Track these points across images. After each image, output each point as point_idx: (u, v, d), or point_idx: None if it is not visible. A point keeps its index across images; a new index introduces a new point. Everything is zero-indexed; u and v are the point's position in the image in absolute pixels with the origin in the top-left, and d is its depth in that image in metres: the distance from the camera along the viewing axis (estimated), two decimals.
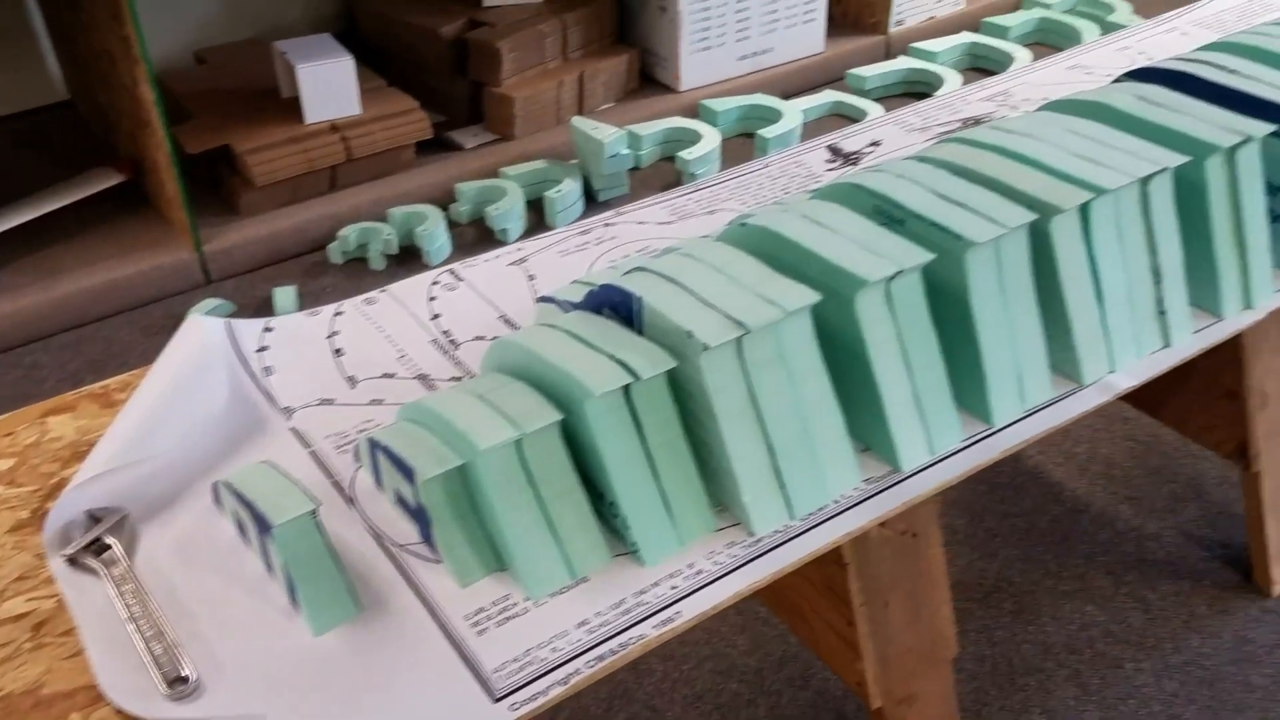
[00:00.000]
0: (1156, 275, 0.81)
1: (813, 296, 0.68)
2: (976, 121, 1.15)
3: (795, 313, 0.67)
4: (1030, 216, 0.74)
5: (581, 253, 0.95)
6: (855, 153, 1.12)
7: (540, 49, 2.04)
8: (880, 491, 0.72)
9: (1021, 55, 2.24)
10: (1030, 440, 0.77)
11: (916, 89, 2.25)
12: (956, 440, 0.75)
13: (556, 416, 0.64)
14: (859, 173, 0.81)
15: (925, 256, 0.71)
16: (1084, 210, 0.76)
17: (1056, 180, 0.77)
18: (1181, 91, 0.89)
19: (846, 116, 2.19)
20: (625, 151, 1.89)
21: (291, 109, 1.84)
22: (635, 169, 2.03)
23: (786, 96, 2.25)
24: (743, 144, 2.11)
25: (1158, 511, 1.26)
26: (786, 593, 0.92)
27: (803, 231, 0.74)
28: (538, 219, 1.88)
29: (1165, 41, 1.27)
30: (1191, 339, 0.84)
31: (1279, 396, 1.08)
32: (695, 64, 2.16)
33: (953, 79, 2.19)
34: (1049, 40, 2.37)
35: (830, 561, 0.83)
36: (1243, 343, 1.02)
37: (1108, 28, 2.32)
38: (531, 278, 0.92)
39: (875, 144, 1.13)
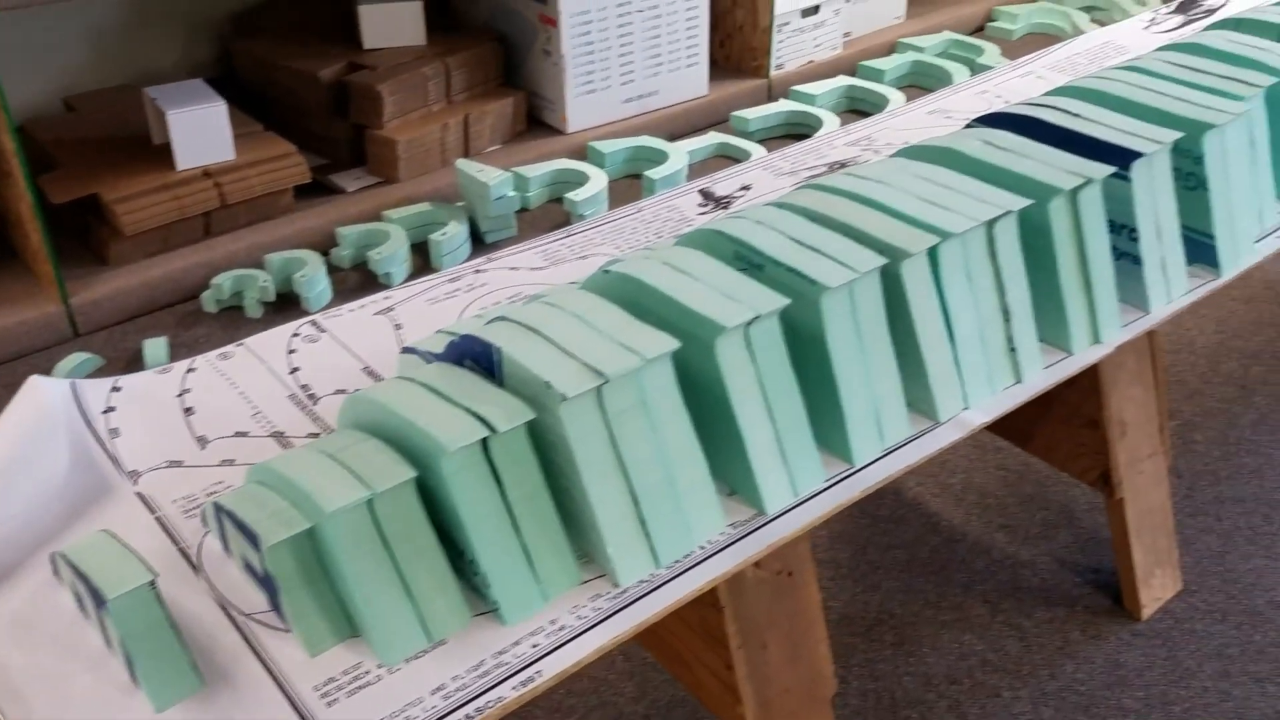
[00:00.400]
0: (1006, 314, 0.83)
1: (672, 344, 0.68)
2: (842, 165, 1.18)
3: (655, 360, 0.67)
4: (881, 261, 0.75)
5: (451, 300, 0.94)
6: (727, 196, 1.14)
7: (423, 91, 2.03)
8: (745, 535, 0.72)
9: (896, 97, 2.31)
10: (890, 478, 0.78)
11: (797, 130, 2.30)
12: (819, 481, 0.76)
13: (410, 474, 0.62)
14: (721, 219, 0.82)
15: (781, 301, 0.72)
16: (932, 253, 0.79)
17: (906, 225, 0.79)
18: (1028, 136, 0.92)
19: (730, 157, 2.22)
20: (511, 193, 1.89)
21: (163, 155, 1.78)
22: (523, 210, 2.02)
23: (672, 138, 2.28)
24: (630, 184, 2.12)
25: (1031, 539, 1.30)
26: (666, 638, 0.91)
27: (663, 278, 0.74)
28: (423, 262, 1.85)
29: (1021, 85, 1.32)
30: (1042, 374, 0.86)
31: (1137, 425, 1.12)
32: (582, 106, 2.17)
33: (831, 120, 2.25)
34: (922, 82, 2.45)
35: (707, 605, 0.82)
36: (1100, 374, 1.06)
37: (977, 69, 2.42)
38: (398, 327, 0.91)
39: (746, 188, 1.15)
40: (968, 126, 0.98)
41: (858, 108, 2.39)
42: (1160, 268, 0.91)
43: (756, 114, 2.29)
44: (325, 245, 1.87)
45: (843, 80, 2.40)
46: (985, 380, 0.83)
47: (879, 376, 0.78)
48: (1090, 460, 1.14)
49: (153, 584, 0.60)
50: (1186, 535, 1.28)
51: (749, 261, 0.78)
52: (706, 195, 1.14)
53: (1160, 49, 1.08)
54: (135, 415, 0.80)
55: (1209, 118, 0.90)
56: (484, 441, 0.64)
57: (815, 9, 2.43)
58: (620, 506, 0.67)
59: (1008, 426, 1.20)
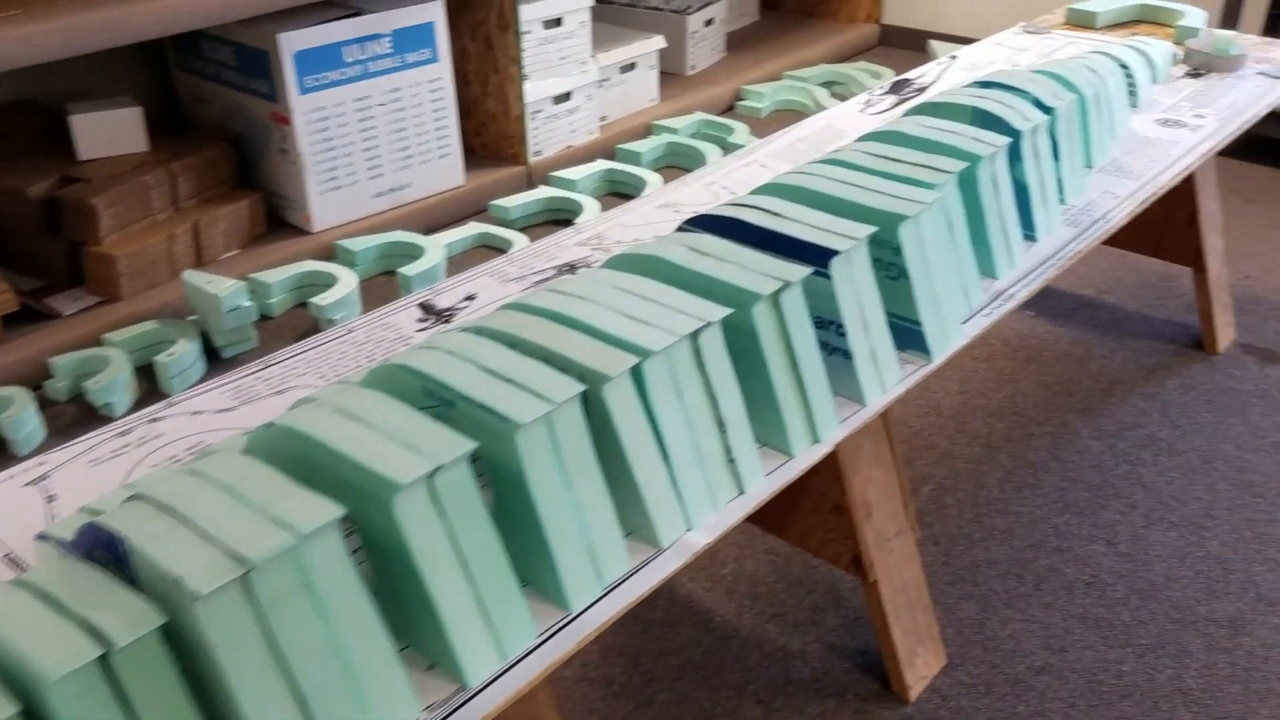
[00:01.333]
0: (721, 425, 0.80)
1: (335, 511, 0.60)
2: (571, 267, 1.14)
3: (315, 534, 0.59)
4: (579, 388, 0.70)
5: (118, 459, 0.83)
6: (449, 309, 1.07)
7: (145, 201, 1.88)
8: (446, 717, 0.64)
9: (653, 179, 2.33)
10: (612, 619, 0.72)
11: (559, 216, 2.28)
12: (530, 638, 0.69)
13: (8, 711, 0.51)
14: (409, 350, 0.75)
15: (468, 446, 0.66)
16: (636, 373, 0.74)
17: (607, 345, 0.75)
18: (732, 237, 0.91)
19: (493, 247, 2.17)
20: (247, 303, 1.76)
21: None
22: (266, 318, 1.89)
23: (430, 231, 2.21)
24: (386, 282, 2.03)
25: (801, 625, 1.27)
26: None
27: (333, 430, 0.66)
28: (150, 387, 1.69)
29: (746, 175, 1.33)
30: (764, 482, 0.84)
31: (881, 505, 1.12)
32: (327, 204, 2.07)
33: (592, 205, 2.24)
34: (679, 163, 2.49)
35: None
36: (839, 460, 1.06)
37: (728, 147, 2.48)
38: (51, 499, 0.78)
39: (470, 298, 1.09)
40: (678, 229, 0.95)
41: (618, 190, 2.40)
42: (871, 360, 0.91)
43: (516, 202, 2.25)
44: (39, 378, 1.68)
45: (601, 164, 2.41)
46: (707, 497, 0.79)
47: (591, 511, 0.72)
48: (841, 545, 1.13)
49: None
50: (947, 604, 1.29)
51: (439, 398, 0.72)
52: (427, 309, 1.07)
53: (860, 139, 1.10)
54: None
55: (902, 209, 0.91)
56: (104, 658, 0.53)
57: (567, 96, 2.44)
58: (280, 712, 0.58)
59: (765, 517, 1.18)
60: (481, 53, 2.33)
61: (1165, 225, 1.69)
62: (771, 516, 1.18)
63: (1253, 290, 1.94)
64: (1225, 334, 1.77)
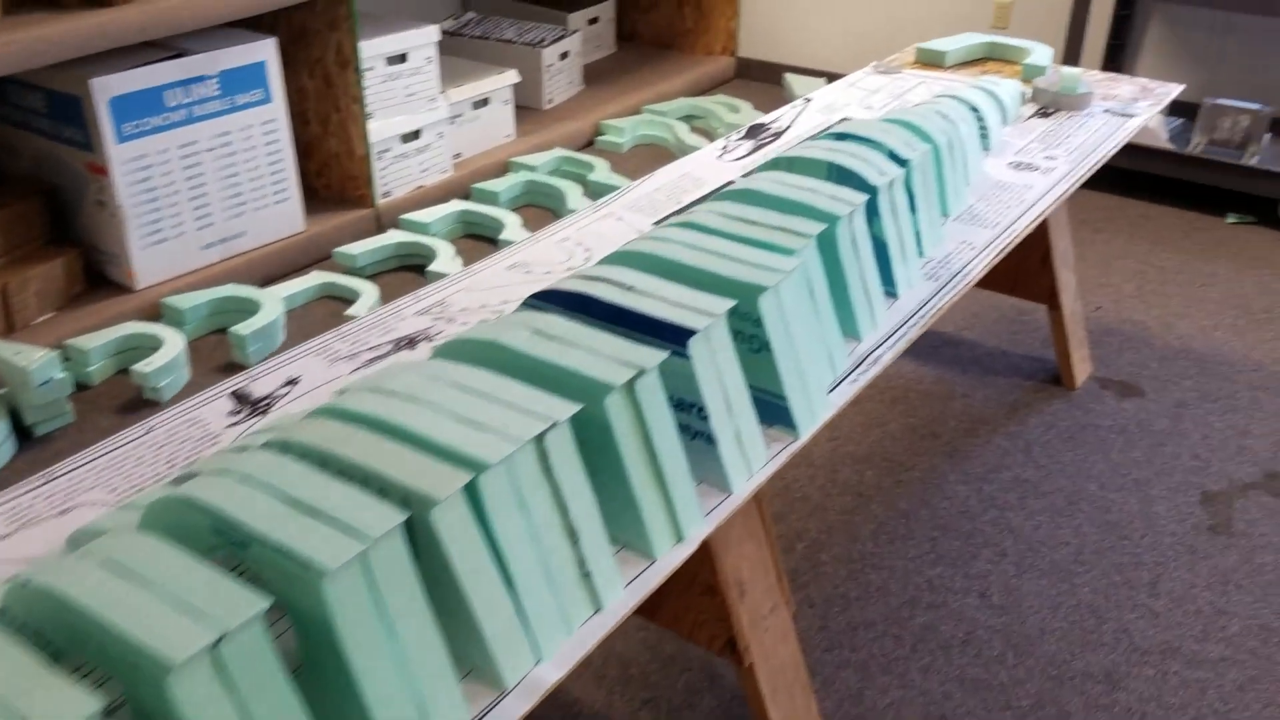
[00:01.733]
0: (573, 536, 0.72)
1: (90, 705, 0.49)
2: (411, 342, 1.04)
3: None
4: (399, 517, 0.61)
5: None
6: (266, 398, 0.95)
7: None
8: None
9: (511, 220, 2.24)
10: None
11: (411, 262, 2.16)
12: None
13: None
14: (194, 480, 0.64)
15: (259, 605, 0.55)
16: (470, 489, 0.65)
17: (435, 459, 0.65)
18: (581, 313, 0.83)
19: (339, 298, 2.04)
20: (60, 375, 1.59)
21: None
22: (85, 388, 1.72)
23: (268, 282, 2.06)
24: (218, 342, 1.88)
25: (676, 710, 1.20)
26: None
27: (97, 591, 0.55)
28: None
29: (603, 229, 1.26)
30: (626, 593, 0.75)
31: (754, 581, 1.05)
32: (151, 258, 1.90)
33: (446, 250, 2.13)
34: (538, 201, 2.41)
35: None
36: (709, 540, 0.98)
37: (590, 186, 2.41)
38: None
39: (292, 382, 0.98)
40: (522, 306, 0.87)
41: (474, 232, 2.29)
42: (736, 443, 0.84)
43: (363, 248, 2.13)
44: None
45: (456, 205, 2.30)
46: (559, 621, 0.71)
47: (418, 658, 0.62)
48: (715, 628, 1.05)
49: None
50: (825, 674, 1.24)
51: (230, 539, 0.61)
52: (240, 398, 0.95)
53: (715, 197, 1.04)
54: None
55: (761, 279, 0.85)
56: None
57: (416, 134, 2.32)
58: None
59: None
60: (321, 90, 2.20)
61: (1020, 266, 1.70)
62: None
63: (1105, 322, 1.97)
64: (1082, 369, 1.79)
